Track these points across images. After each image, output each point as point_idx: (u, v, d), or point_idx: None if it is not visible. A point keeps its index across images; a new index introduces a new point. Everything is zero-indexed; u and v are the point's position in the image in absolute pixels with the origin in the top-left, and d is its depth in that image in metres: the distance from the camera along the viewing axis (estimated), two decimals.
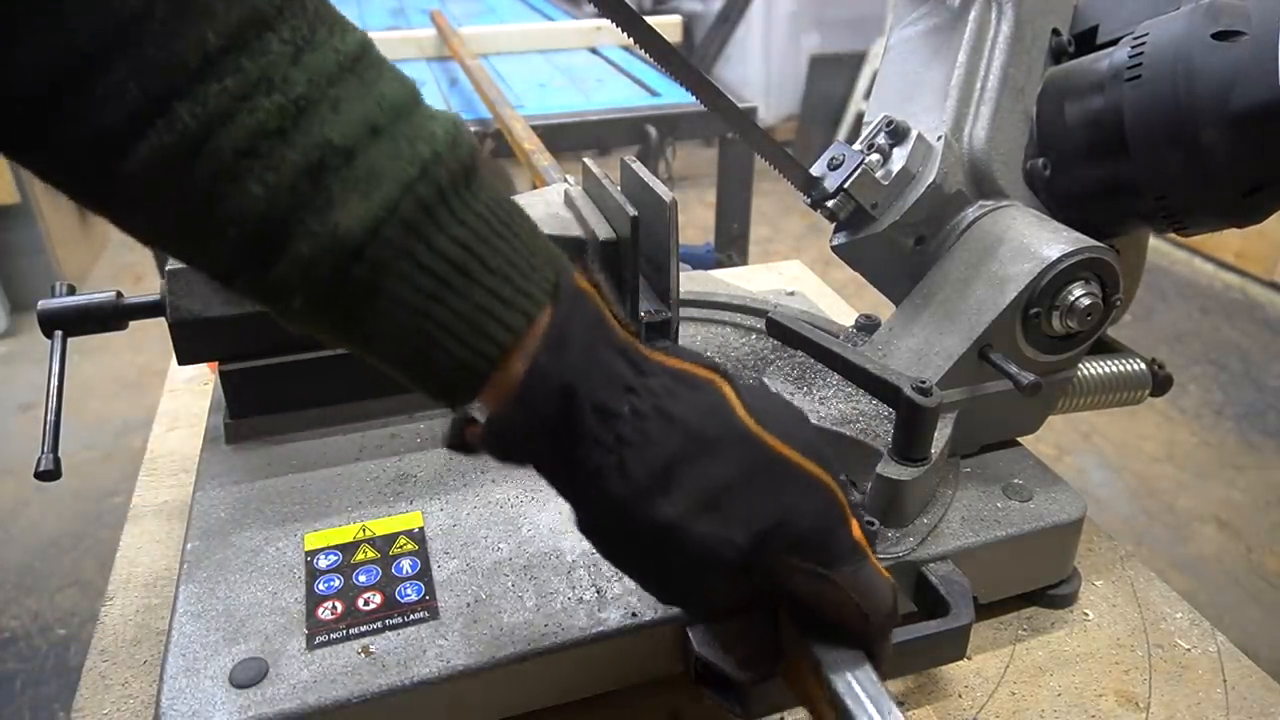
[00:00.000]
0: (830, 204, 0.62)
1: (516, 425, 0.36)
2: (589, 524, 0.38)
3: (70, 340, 0.59)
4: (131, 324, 0.61)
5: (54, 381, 0.57)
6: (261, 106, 0.31)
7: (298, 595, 0.51)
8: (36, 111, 0.30)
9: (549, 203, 0.69)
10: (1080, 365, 0.64)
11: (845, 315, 0.94)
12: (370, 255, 0.33)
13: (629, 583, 0.52)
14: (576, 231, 0.64)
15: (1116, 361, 0.66)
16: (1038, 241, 0.58)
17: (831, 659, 0.40)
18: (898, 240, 0.62)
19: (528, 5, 2.46)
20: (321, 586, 0.52)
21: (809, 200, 0.64)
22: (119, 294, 0.60)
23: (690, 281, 0.89)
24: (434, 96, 1.60)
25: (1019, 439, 0.66)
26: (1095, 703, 0.55)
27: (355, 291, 0.33)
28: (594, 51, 1.96)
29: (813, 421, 0.60)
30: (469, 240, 0.34)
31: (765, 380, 0.64)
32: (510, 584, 0.52)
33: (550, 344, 0.35)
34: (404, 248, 0.33)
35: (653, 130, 1.53)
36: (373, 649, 0.48)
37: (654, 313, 0.65)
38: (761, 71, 4.32)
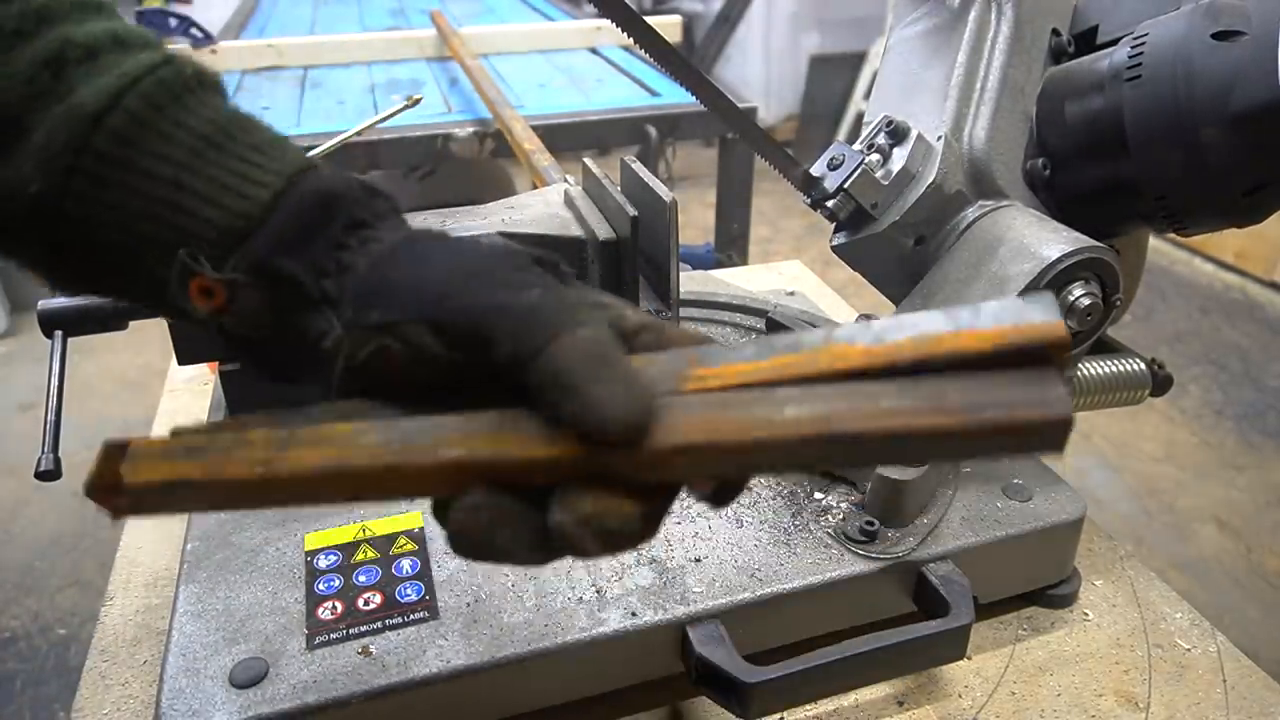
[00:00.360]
0: (830, 204, 0.62)
1: (319, 192, 0.33)
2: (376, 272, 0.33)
3: (70, 340, 0.59)
4: (131, 324, 0.61)
5: (54, 381, 0.57)
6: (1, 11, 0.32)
7: (298, 595, 0.51)
8: None
9: (549, 203, 0.69)
10: (1080, 365, 0.64)
11: (845, 315, 0.94)
12: (110, 125, 0.32)
13: (629, 583, 0.52)
14: (576, 231, 0.64)
15: (1116, 361, 0.66)
16: (1038, 241, 0.58)
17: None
18: (898, 240, 0.62)
19: (528, 5, 2.46)
20: (321, 586, 0.52)
21: (809, 200, 0.64)
22: None
23: (690, 281, 0.89)
24: (434, 96, 1.60)
25: None
26: (1095, 703, 0.55)
27: (96, 168, 0.32)
28: (594, 51, 1.96)
29: None
30: (217, 118, 0.34)
31: None
32: (510, 584, 0.52)
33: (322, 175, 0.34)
34: (146, 119, 0.32)
35: (653, 130, 1.52)
36: (373, 649, 0.48)
37: (654, 313, 0.65)
38: (761, 71, 4.32)
